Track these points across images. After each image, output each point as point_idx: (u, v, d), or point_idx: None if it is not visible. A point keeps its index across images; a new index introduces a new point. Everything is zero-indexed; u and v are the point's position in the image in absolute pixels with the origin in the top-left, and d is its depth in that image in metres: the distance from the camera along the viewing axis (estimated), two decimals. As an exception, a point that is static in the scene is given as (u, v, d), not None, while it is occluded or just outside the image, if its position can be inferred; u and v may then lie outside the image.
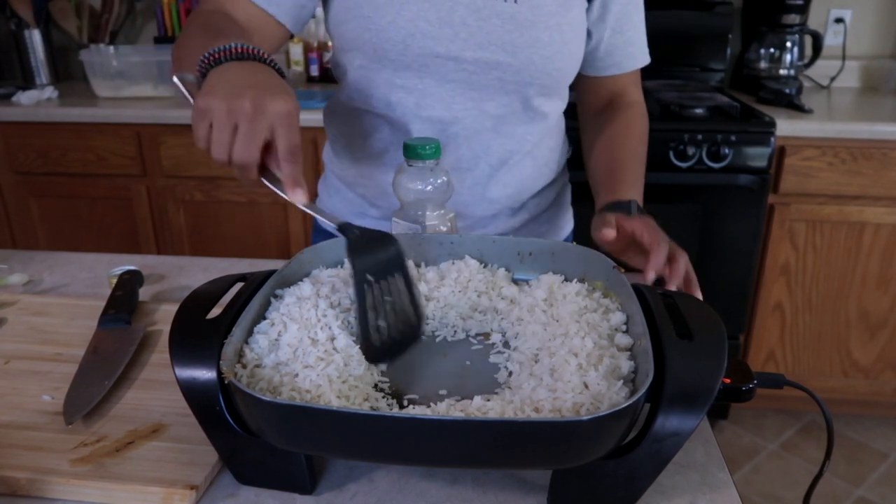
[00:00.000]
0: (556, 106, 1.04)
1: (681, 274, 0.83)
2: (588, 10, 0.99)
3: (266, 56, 0.72)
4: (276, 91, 0.66)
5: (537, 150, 1.03)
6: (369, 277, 0.66)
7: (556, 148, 1.08)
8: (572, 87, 1.05)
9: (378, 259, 0.67)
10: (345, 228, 0.69)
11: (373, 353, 0.66)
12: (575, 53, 0.98)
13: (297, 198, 0.67)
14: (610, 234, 0.83)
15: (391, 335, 0.68)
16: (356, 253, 0.67)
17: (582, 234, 1.00)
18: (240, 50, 0.71)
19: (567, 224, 1.17)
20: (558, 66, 0.96)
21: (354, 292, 0.67)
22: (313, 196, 1.15)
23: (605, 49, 1.03)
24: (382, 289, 0.67)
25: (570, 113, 1.12)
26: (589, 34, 1.02)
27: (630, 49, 1.06)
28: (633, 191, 0.98)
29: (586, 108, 1.14)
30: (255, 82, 0.67)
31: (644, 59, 1.08)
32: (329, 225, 0.71)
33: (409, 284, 0.69)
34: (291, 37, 0.98)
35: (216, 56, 0.70)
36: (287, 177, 0.67)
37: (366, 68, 0.95)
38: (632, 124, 1.08)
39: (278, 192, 0.68)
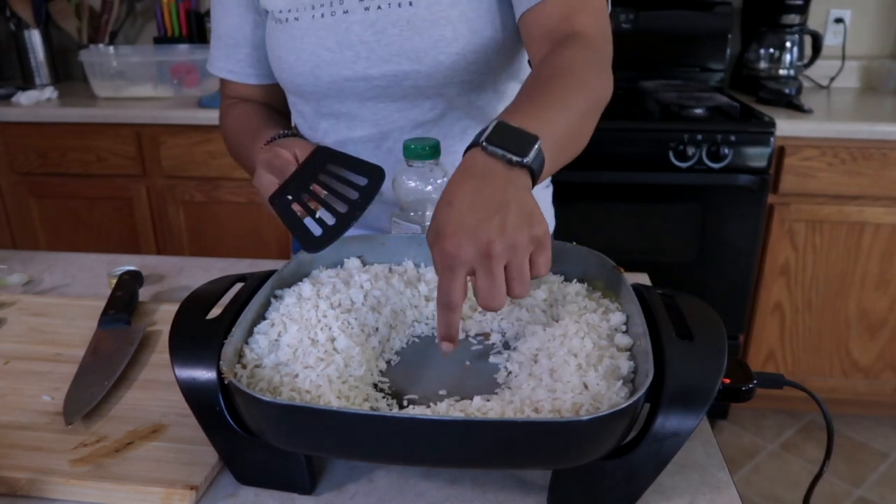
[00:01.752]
0: (492, 99, 0.95)
1: None
2: None
3: (280, 133, 0.90)
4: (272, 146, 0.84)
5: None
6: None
7: None
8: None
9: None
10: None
11: (313, 239, 0.70)
12: (492, 37, 0.88)
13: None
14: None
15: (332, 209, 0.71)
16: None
17: (567, 234, 0.99)
18: (269, 141, 0.89)
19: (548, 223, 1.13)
20: (473, 59, 0.89)
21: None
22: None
23: None
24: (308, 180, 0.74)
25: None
26: None
27: None
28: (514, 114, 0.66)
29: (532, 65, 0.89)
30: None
31: None
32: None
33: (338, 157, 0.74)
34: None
35: None
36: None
37: (295, 104, 1.02)
38: (557, 62, 0.76)
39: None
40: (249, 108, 1.03)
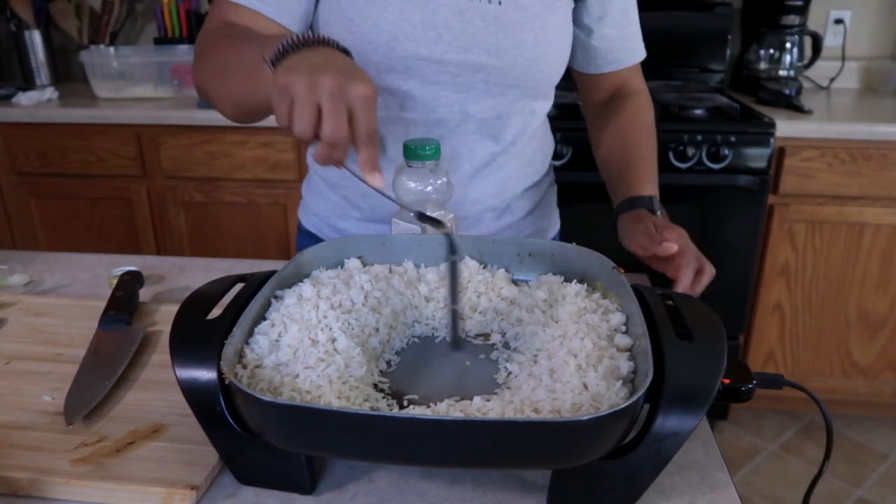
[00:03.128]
0: (541, 107, 1.03)
1: (701, 289, 0.88)
2: (584, 8, 1.00)
3: (338, 44, 0.71)
4: (356, 73, 0.65)
5: (521, 152, 1.03)
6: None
7: (540, 149, 1.08)
8: (567, 87, 1.06)
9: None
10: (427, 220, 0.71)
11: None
12: (560, 54, 0.98)
13: (376, 182, 0.66)
14: (671, 248, 0.88)
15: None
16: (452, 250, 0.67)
17: (569, 236, 1.00)
18: (312, 38, 0.69)
19: (553, 226, 1.16)
20: (542, 68, 0.95)
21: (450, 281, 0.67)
22: (298, 198, 1.16)
23: (605, 46, 1.04)
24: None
25: (568, 115, 1.12)
26: (590, 32, 1.02)
27: (629, 44, 1.06)
28: (650, 184, 0.99)
29: (590, 104, 1.14)
30: (334, 64, 0.65)
31: (642, 52, 1.09)
32: (401, 212, 0.75)
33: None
34: None
35: (292, 42, 0.68)
36: (365, 161, 0.66)
37: None
38: (639, 114, 1.08)
39: (356, 175, 0.67)
40: (246, 28, 0.88)
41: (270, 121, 0.77)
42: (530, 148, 1.05)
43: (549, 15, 0.93)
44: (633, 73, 1.10)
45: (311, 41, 0.69)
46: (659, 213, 0.98)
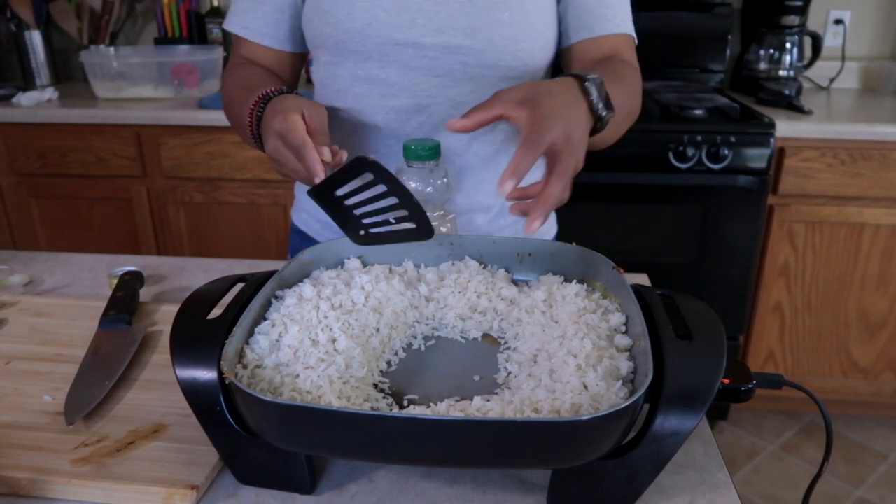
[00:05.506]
0: None
1: (547, 201, 0.67)
2: None
3: (273, 91, 0.86)
4: (279, 109, 0.78)
5: (512, 145, 0.99)
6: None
7: None
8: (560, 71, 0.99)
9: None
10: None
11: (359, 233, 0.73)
12: (542, 33, 0.94)
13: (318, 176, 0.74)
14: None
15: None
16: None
17: (567, 235, 0.99)
18: (261, 97, 0.85)
19: (550, 229, 1.13)
20: (523, 47, 0.93)
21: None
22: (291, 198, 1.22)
23: (573, 12, 0.96)
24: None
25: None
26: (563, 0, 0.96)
27: (604, 12, 0.96)
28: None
29: None
30: (274, 120, 0.78)
31: (624, 26, 0.98)
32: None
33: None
34: (306, 55, 1.05)
35: (252, 116, 0.86)
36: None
37: (331, 63, 0.97)
38: (623, 70, 0.94)
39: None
40: (254, 69, 1.00)
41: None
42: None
43: None
44: (620, 45, 0.98)
45: (264, 98, 0.85)
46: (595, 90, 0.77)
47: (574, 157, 0.69)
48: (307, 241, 1.11)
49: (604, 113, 0.76)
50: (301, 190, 1.15)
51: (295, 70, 1.05)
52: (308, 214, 1.11)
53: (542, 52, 0.96)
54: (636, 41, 1.01)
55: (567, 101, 0.72)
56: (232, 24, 1.01)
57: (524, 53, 0.93)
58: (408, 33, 0.90)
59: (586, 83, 0.75)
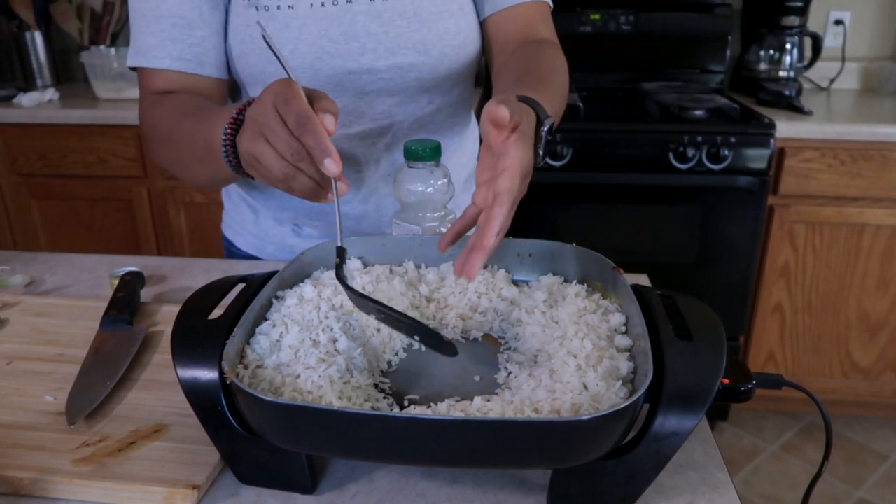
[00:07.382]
0: (471, 88, 1.02)
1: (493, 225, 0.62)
2: None
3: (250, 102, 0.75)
4: (262, 100, 0.68)
5: (463, 142, 1.01)
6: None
7: (470, 136, 1.07)
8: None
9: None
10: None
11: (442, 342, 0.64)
12: (476, 26, 0.95)
13: (331, 169, 0.68)
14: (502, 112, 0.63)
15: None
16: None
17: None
18: (243, 107, 0.74)
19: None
20: (469, 51, 0.93)
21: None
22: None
23: None
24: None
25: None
26: None
27: None
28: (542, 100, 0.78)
29: (492, 64, 1.00)
30: (255, 119, 0.69)
31: None
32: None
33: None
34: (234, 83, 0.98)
35: (230, 133, 0.74)
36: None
37: None
38: (543, 51, 0.92)
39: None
40: (189, 96, 0.88)
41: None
42: (471, 137, 1.04)
43: None
44: (534, 17, 0.95)
45: (240, 118, 0.73)
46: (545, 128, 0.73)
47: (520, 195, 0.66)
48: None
49: (541, 163, 0.74)
50: (233, 201, 1.10)
51: (233, 97, 0.99)
52: (254, 237, 1.08)
53: (478, 40, 0.96)
54: (551, 5, 0.98)
55: (524, 149, 0.66)
56: (154, 60, 0.87)
57: (471, 57, 0.95)
58: (360, 60, 0.89)
59: (542, 128, 0.71)
